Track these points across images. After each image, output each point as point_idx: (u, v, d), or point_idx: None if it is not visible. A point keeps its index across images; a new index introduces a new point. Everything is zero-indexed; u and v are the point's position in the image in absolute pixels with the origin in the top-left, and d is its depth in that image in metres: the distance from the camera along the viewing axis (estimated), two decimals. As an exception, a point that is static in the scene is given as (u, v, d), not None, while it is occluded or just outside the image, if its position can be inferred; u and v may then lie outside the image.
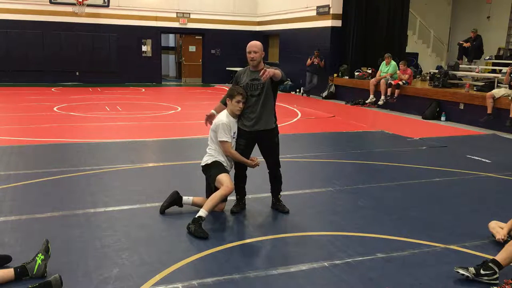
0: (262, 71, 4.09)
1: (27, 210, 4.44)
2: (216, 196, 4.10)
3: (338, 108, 13.25)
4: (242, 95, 4.27)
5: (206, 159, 4.39)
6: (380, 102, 13.07)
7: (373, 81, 13.37)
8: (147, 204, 4.70)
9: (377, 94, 13.23)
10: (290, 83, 17.37)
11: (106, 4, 18.51)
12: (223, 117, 4.33)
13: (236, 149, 4.37)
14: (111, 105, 12.53)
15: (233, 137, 4.37)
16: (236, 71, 4.74)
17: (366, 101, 13.55)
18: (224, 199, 4.31)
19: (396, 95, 12.48)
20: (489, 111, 9.90)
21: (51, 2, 17.71)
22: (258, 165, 4.42)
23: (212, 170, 4.30)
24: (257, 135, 4.42)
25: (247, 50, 4.34)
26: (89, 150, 7.17)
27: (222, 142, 4.27)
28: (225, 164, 4.36)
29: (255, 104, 4.34)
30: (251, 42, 4.45)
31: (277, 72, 4.22)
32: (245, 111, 4.36)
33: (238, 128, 4.41)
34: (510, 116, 9.33)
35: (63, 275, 3.05)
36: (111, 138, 8.01)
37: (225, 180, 4.15)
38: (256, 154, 4.52)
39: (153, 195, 4.92)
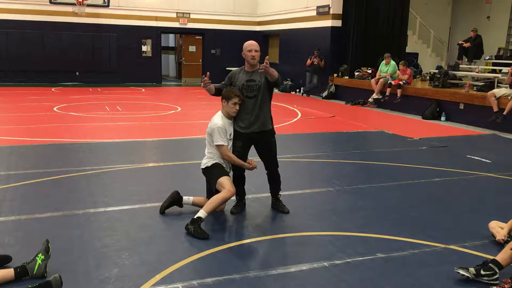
0: (263, 65, 4.08)
1: (27, 210, 4.44)
2: (217, 198, 4.09)
3: (338, 108, 13.25)
4: (239, 97, 4.23)
5: (206, 162, 4.36)
6: (370, 100, 13.19)
7: (373, 81, 13.37)
8: (147, 204, 4.70)
9: (379, 93, 13.22)
10: (290, 83, 17.37)
11: (106, 4, 18.51)
12: (218, 120, 4.28)
13: (233, 151, 4.36)
14: (111, 105, 12.52)
15: (229, 139, 4.35)
16: (236, 71, 4.71)
17: (369, 100, 13.57)
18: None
19: (399, 95, 12.46)
20: (495, 109, 9.68)
21: (51, 2, 17.71)
22: (256, 167, 4.41)
23: (212, 173, 4.28)
24: (254, 136, 4.40)
25: (248, 48, 4.31)
26: (89, 150, 7.17)
27: (218, 146, 4.25)
28: (224, 166, 4.35)
29: (251, 106, 4.32)
30: (250, 41, 4.43)
31: (275, 72, 4.22)
32: (241, 113, 4.32)
33: (234, 130, 4.38)
34: (504, 113, 9.30)
35: (63, 275, 3.05)
36: (111, 138, 8.01)
37: (227, 184, 4.13)
38: (253, 155, 4.52)
39: (153, 195, 4.91)
